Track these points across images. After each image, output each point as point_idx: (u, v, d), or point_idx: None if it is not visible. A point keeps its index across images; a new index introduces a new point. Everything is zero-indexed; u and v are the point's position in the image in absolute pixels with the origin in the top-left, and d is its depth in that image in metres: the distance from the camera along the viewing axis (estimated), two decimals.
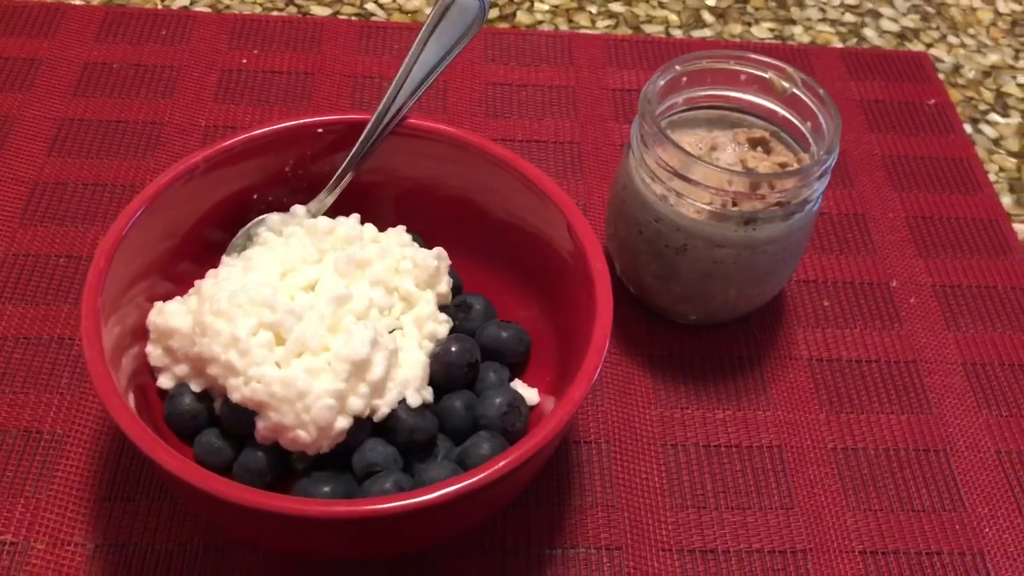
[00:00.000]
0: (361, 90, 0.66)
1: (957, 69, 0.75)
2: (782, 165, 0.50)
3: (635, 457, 0.49)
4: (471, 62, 0.68)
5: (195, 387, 0.44)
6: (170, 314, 0.44)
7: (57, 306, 0.52)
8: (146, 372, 0.45)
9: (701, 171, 0.47)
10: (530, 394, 0.47)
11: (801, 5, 0.78)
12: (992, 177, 0.66)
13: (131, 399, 0.41)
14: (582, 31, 0.73)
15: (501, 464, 0.37)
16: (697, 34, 0.75)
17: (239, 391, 0.41)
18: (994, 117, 0.71)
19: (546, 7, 0.75)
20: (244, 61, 0.66)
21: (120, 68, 0.65)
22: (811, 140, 0.50)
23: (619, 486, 0.48)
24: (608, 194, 0.55)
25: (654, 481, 0.48)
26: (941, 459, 0.50)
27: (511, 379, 0.48)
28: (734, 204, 0.47)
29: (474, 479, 0.36)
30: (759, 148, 0.51)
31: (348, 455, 0.43)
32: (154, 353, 0.44)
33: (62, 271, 0.54)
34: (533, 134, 0.64)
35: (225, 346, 0.42)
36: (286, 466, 0.43)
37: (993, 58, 0.76)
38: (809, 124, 0.50)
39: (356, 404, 0.42)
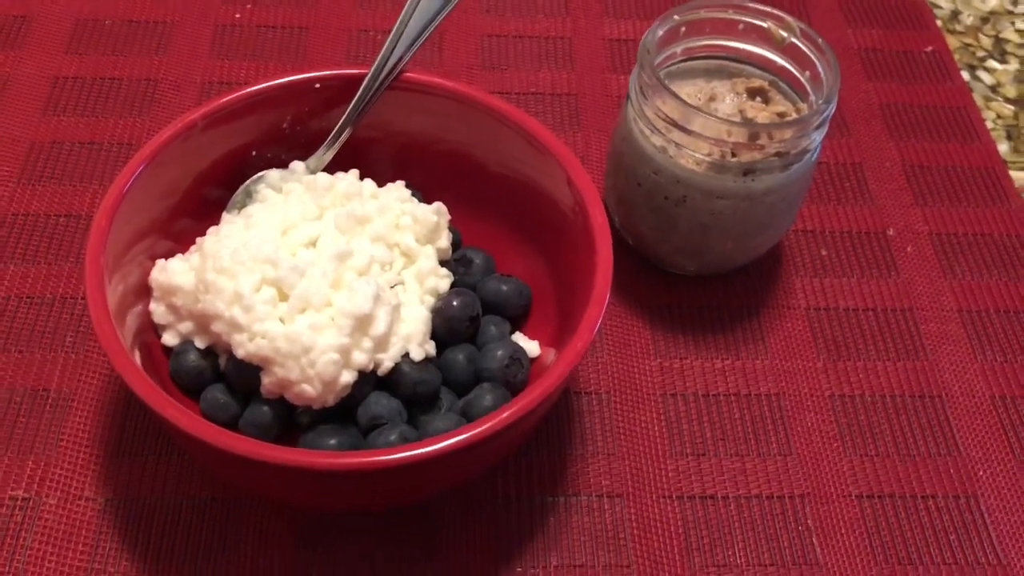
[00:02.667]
0: (357, 44, 0.65)
1: (955, 15, 0.74)
2: (781, 115, 0.50)
3: (635, 407, 0.49)
4: (466, 13, 0.68)
5: (199, 343, 0.44)
6: (172, 271, 0.44)
7: (59, 265, 0.52)
8: (150, 330, 0.45)
9: (700, 122, 0.47)
10: (531, 346, 0.47)
11: None
12: (989, 124, 0.66)
13: (136, 357, 0.41)
14: None
15: (506, 414, 0.37)
16: None
17: (244, 347, 0.42)
18: (992, 63, 0.71)
19: None
20: (237, 16, 0.66)
21: (112, 24, 0.64)
22: (810, 90, 0.50)
23: (620, 435, 0.48)
24: (607, 147, 0.55)
25: (654, 430, 0.49)
26: (936, 405, 0.51)
27: (512, 332, 0.48)
28: (733, 155, 0.47)
29: (479, 429, 0.37)
30: (758, 98, 0.51)
31: (353, 409, 0.44)
32: (157, 311, 0.45)
33: (62, 230, 0.54)
34: (530, 86, 0.64)
35: (229, 303, 0.42)
36: (291, 420, 0.44)
37: (992, 3, 0.75)
38: (808, 73, 0.50)
39: (360, 358, 0.42)
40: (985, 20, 0.74)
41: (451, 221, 0.49)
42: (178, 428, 0.37)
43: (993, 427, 0.50)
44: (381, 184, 0.49)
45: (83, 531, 0.44)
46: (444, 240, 0.48)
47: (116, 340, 0.39)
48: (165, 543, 0.44)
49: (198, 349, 0.44)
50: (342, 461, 0.36)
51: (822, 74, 0.49)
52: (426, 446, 0.37)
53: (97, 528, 0.44)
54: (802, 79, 0.51)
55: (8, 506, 0.44)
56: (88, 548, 0.43)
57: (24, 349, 0.49)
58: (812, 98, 0.50)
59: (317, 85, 0.49)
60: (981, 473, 0.49)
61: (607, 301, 0.41)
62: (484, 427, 0.37)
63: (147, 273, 0.45)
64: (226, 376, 0.44)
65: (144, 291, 0.45)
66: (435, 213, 0.48)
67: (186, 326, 0.44)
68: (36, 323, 0.50)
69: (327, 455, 0.37)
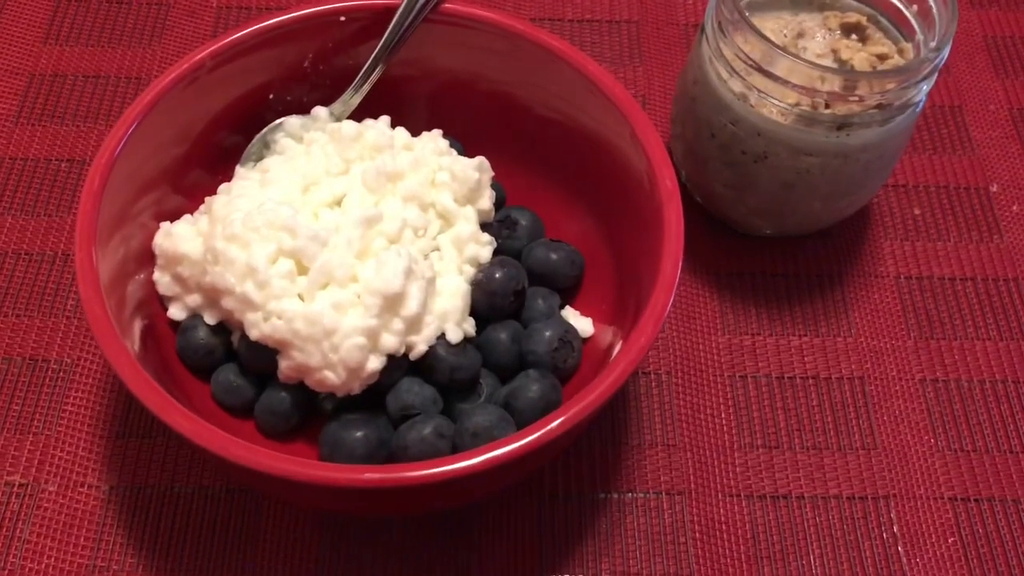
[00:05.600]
0: None
1: None
2: (880, 56, 0.43)
3: (699, 390, 0.44)
4: None
5: (209, 319, 0.39)
6: (178, 237, 0.39)
7: (60, 217, 0.47)
8: (155, 301, 0.40)
9: (786, 65, 0.40)
10: (583, 324, 0.42)
11: None
12: None
13: (136, 334, 0.37)
14: None
15: (556, 423, 0.32)
16: None
17: (258, 328, 0.37)
18: None
19: None
20: None
21: None
22: (916, 27, 0.43)
23: (681, 423, 0.43)
24: (674, 87, 0.48)
25: (720, 417, 0.43)
26: None
27: (562, 307, 0.43)
28: (826, 106, 0.40)
29: (525, 440, 0.32)
30: (853, 35, 0.44)
31: (383, 393, 0.39)
32: (162, 281, 0.40)
33: (63, 177, 0.49)
34: (585, 12, 0.57)
35: (240, 277, 0.37)
36: (313, 405, 0.39)
37: None
38: (915, 8, 0.43)
39: (390, 342, 0.37)
40: None
41: (494, 177, 0.43)
42: (185, 437, 0.32)
43: None
44: (415, 133, 0.43)
45: (85, 522, 0.40)
46: (486, 200, 0.43)
47: (110, 326, 0.34)
48: (176, 537, 0.40)
49: (208, 325, 0.40)
50: (366, 477, 0.31)
51: (933, 9, 0.42)
52: (461, 460, 0.32)
53: (100, 519, 0.40)
54: (908, 14, 0.44)
55: (4, 492, 0.40)
56: (91, 542, 0.39)
57: (22, 313, 0.44)
58: (919, 37, 0.43)
59: (343, 17, 0.43)
60: None
61: (676, 285, 0.35)
62: (531, 438, 0.32)
63: (151, 235, 0.40)
64: (239, 356, 0.39)
65: (149, 256, 0.40)
66: (476, 169, 0.42)
67: (194, 299, 0.40)
68: (35, 284, 0.45)
69: (350, 470, 0.32)
